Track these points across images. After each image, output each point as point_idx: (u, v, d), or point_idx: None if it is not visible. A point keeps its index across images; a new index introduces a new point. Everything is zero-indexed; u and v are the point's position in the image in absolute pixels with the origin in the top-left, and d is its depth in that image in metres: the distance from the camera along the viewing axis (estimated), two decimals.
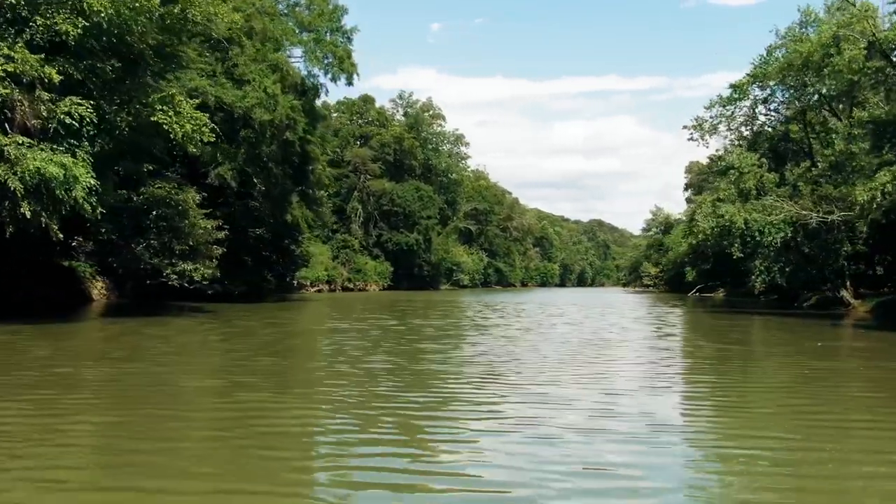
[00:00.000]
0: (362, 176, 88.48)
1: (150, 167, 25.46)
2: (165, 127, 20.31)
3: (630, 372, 12.18)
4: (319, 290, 72.93)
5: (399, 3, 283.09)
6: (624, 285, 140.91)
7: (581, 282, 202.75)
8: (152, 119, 20.09)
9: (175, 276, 25.43)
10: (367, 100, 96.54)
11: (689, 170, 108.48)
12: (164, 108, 20.30)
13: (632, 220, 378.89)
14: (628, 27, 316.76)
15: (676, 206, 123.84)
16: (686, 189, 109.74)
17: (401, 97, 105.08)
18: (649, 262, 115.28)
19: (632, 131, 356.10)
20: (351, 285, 79.46)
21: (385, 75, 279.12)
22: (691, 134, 43.31)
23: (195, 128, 20.54)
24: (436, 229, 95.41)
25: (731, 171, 39.41)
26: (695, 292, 77.24)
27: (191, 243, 24.91)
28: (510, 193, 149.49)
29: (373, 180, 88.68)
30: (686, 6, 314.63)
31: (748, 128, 43.94)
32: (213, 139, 21.99)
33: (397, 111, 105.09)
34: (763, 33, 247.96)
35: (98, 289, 37.99)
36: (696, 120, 43.13)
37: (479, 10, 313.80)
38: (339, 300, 53.38)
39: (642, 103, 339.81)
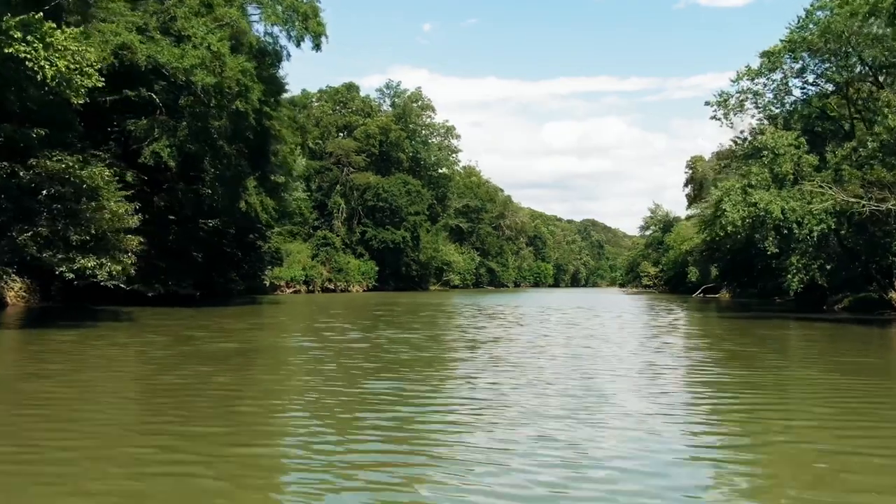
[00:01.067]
0: (345, 168, 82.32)
1: (42, 132, 19.45)
2: (30, 64, 14.33)
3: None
4: (296, 292, 66.90)
5: (390, 4, 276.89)
6: (621, 286, 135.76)
7: (575, 282, 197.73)
8: (6, 51, 14.09)
9: (71, 275, 19.42)
10: (351, 88, 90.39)
11: (690, 165, 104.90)
12: (29, 37, 14.30)
13: (622, 220, 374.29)
14: (620, 28, 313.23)
15: (667, 206, 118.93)
16: (687, 185, 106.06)
17: (388, 86, 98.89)
18: (648, 262, 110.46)
19: (622, 132, 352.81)
20: (332, 286, 73.31)
21: (376, 75, 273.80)
22: (714, 111, 37.65)
23: (73, 66, 14.56)
24: (424, 226, 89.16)
25: (765, 153, 33.77)
26: (700, 293, 72.36)
27: (93, 231, 18.87)
28: (502, 191, 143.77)
29: (356, 173, 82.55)
30: (677, 7, 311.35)
31: (779, 105, 38.25)
32: (101, 84, 16.00)
33: (384, 101, 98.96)
34: (753, 33, 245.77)
35: (16, 291, 31.90)
36: (719, 95, 37.51)
37: (471, 10, 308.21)
38: (312, 303, 47.44)
39: (633, 104, 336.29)
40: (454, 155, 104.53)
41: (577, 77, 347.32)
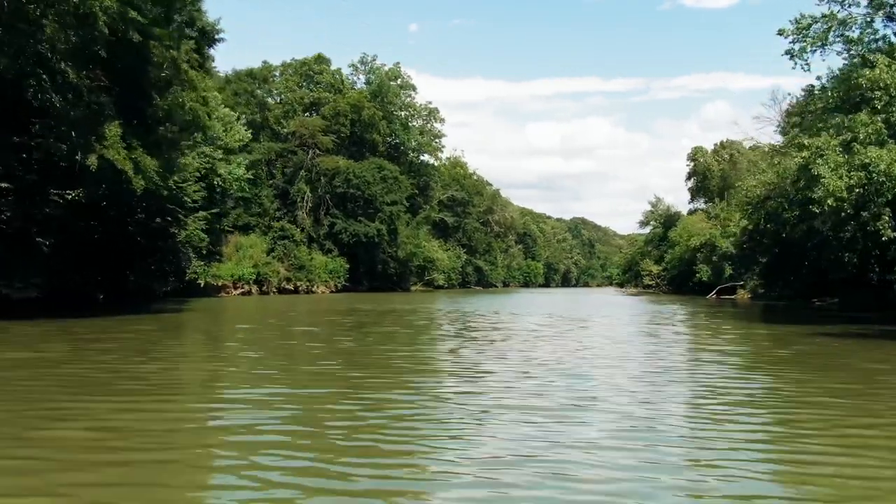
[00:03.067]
0: (311, 151, 71.16)
1: None
2: None
3: None
4: (247, 293, 55.79)
5: (376, 4, 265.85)
6: (619, 285, 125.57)
7: (566, 282, 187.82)
8: None
9: None
10: (321, 60, 79.18)
11: (692, 157, 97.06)
12: None
13: (609, 220, 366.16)
14: (606, 29, 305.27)
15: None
16: (689, 178, 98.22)
17: (362, 61, 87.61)
18: (649, 260, 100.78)
19: (607, 133, 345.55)
20: (291, 286, 62.11)
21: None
22: (791, 45, 27.24)
23: None
24: (403, 219, 78.14)
25: (876, 94, 23.42)
26: (714, 294, 62.63)
27: None
28: (490, 185, 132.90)
29: (324, 157, 71.43)
30: (662, 8, 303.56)
31: (871, 38, 27.90)
32: None
33: (358, 79, 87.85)
34: (739, 35, 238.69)
35: None
36: (797, 21, 27.07)
37: (458, 11, 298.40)
38: (247, 309, 36.43)
39: (618, 105, 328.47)
40: (438, 140, 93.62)
41: (563, 78, 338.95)
